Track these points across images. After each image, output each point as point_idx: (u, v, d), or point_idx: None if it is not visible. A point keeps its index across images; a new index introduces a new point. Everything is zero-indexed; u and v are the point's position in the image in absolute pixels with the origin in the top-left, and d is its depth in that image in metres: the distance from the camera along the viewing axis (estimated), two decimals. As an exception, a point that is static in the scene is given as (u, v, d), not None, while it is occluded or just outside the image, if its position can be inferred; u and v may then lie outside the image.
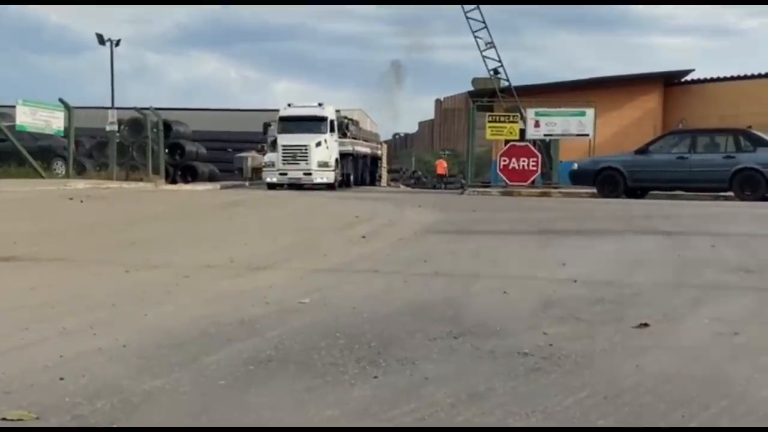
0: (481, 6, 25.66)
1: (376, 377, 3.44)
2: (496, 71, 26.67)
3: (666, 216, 11.48)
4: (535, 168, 23.04)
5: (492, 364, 3.65)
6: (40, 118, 21.57)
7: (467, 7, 25.72)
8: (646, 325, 4.49)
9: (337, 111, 30.05)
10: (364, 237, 8.63)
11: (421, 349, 3.89)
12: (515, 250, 7.67)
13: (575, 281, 5.82)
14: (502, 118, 23.95)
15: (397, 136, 72.74)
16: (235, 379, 3.40)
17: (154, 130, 26.33)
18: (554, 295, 5.28)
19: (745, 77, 27.39)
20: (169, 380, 3.35)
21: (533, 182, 23.19)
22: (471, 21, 25.79)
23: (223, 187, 26.72)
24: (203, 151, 33.07)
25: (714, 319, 4.65)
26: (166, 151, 28.37)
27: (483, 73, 27.05)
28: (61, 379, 3.34)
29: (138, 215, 11.76)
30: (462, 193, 23.28)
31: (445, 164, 43.99)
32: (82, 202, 13.60)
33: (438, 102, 71.58)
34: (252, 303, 4.95)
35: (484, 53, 26.16)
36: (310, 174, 26.42)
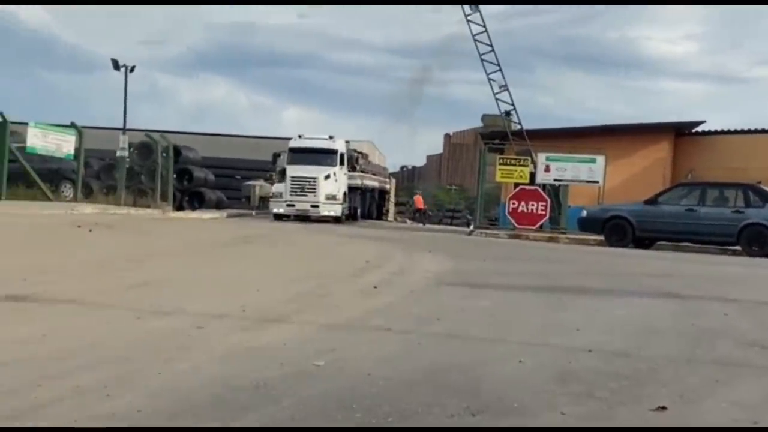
0: (495, 50, 25.82)
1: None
2: (508, 113, 26.81)
3: (677, 275, 11.44)
4: (543, 212, 23.06)
5: (512, 451, 3.60)
6: (51, 141, 21.83)
7: (482, 48, 25.88)
8: (664, 408, 4.44)
9: (347, 143, 30.20)
10: (375, 287, 8.61)
11: (439, 428, 3.85)
12: (528, 311, 7.63)
13: (590, 351, 5.78)
14: (512, 161, 24.02)
15: (404, 169, 72.89)
16: (252, 456, 3.36)
17: (164, 155, 26.46)
18: (570, 367, 5.24)
19: (755, 131, 27.47)
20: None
21: (541, 227, 23.19)
22: (486, 63, 25.96)
23: (229, 216, 26.80)
24: (211, 177, 33.16)
25: (732, 404, 4.61)
26: (174, 176, 28.42)
27: (494, 110, 27.18)
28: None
29: (147, 249, 11.76)
30: (470, 234, 23.27)
31: (421, 199, 44.02)
32: (90, 231, 13.62)
33: (447, 136, 71.84)
34: (266, 364, 4.91)
35: (497, 96, 26.30)
36: (317, 206, 26.49)
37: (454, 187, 58.36)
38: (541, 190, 23.40)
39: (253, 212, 31.45)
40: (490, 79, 26.32)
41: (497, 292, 8.98)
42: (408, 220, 41.46)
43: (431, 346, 5.69)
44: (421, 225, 37.29)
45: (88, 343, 5.32)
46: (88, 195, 24.14)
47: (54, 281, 7.92)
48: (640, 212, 19.48)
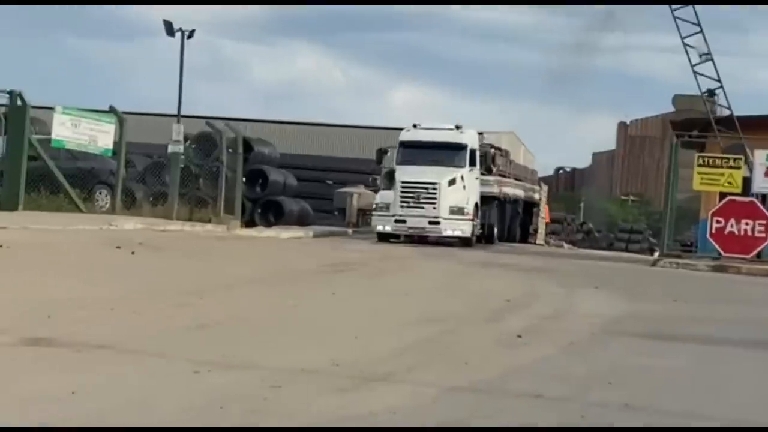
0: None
1: None
2: (711, 93, 26.20)
3: None
4: (763, 235, 22.43)
5: None
6: (83, 132, 22.43)
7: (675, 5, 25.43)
8: None
9: (480, 135, 30.15)
10: (519, 336, 8.59)
11: None
12: (740, 374, 7.46)
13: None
14: (718, 162, 23.48)
15: (560, 172, 72.47)
16: None
17: (230, 150, 26.82)
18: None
19: None
20: None
21: (759, 255, 22.56)
22: (679, 22, 25.47)
23: (317, 235, 27.18)
24: (293, 181, 33.66)
25: None
26: (244, 180, 28.82)
27: (691, 89, 26.61)
28: None
29: (208, 279, 12.05)
30: (655, 264, 22.87)
31: (548, 210, 43.41)
32: (133, 253, 14.07)
33: (622, 126, 71.03)
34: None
35: (695, 68, 25.75)
36: (437, 223, 26.54)
37: (631, 197, 57.47)
38: (759, 204, 22.78)
39: (349, 230, 31.79)
40: (685, 45, 25.81)
41: (694, 346, 8.81)
42: (565, 244, 41.13)
43: (601, 421, 5.62)
44: (573, 249, 36.87)
45: (131, 404, 5.50)
46: (131, 205, 24.72)
47: (86, 320, 8.22)
48: None
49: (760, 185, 23.09)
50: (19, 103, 21.56)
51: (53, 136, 22.13)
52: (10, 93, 21.76)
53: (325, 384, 6.27)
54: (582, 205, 56.85)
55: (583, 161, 74.96)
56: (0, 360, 6.50)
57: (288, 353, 7.19)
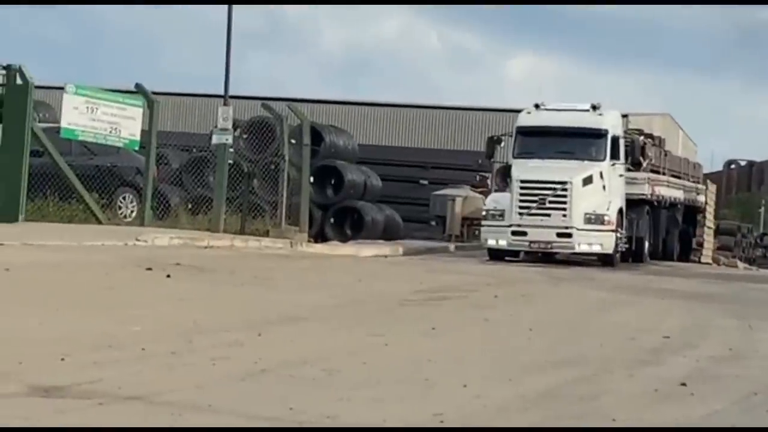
0: None
1: None
2: None
3: None
4: None
5: None
6: (101, 119, 22.58)
7: None
8: None
9: (625, 118, 29.98)
10: (684, 384, 8.55)
11: None
12: None
13: None
14: None
15: (733, 167, 71.70)
16: None
17: (292, 141, 26.80)
18: None
19: None
20: None
21: None
22: None
23: (408, 253, 27.20)
24: (376, 182, 33.73)
25: None
26: (312, 179, 28.76)
27: None
28: None
29: (268, 311, 12.16)
30: None
31: None
32: (168, 276, 14.23)
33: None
34: None
35: None
36: (568, 235, 26.43)
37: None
38: None
39: (451, 245, 31.81)
40: None
41: None
42: (740, 262, 40.64)
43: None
44: (751, 269, 36.39)
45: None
46: (164, 213, 24.86)
47: (108, 362, 8.34)
48: None
49: None
50: (18, 81, 21.49)
51: (63, 124, 22.21)
52: (7, 68, 21.73)
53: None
54: (762, 210, 56.20)
55: (764, 151, 74.10)
56: (1, 415, 6.62)
57: (378, 405, 7.23)
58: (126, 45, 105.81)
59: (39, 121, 23.00)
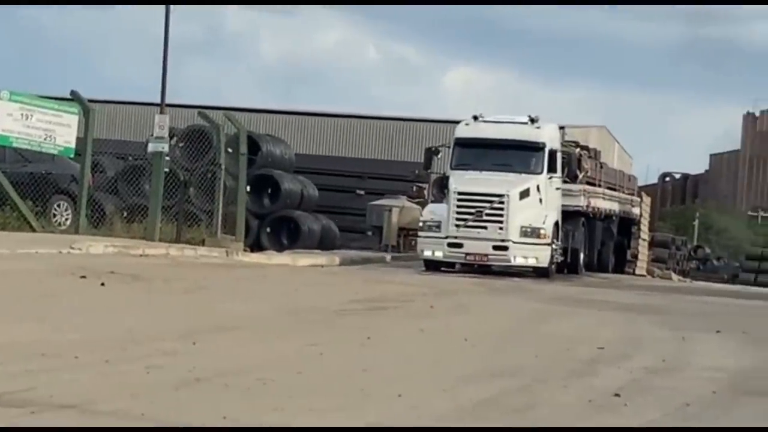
0: None
1: None
2: None
3: None
4: None
5: None
6: (37, 126, 22.52)
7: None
8: None
9: (561, 130, 30.13)
10: (617, 395, 8.60)
11: None
12: None
13: None
14: None
15: (668, 180, 72.26)
16: None
17: (229, 150, 26.80)
18: None
19: None
20: None
21: None
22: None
23: (344, 263, 27.18)
24: (312, 192, 33.78)
25: None
26: (248, 189, 28.71)
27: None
28: None
29: (203, 319, 12.12)
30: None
31: None
32: (103, 285, 14.15)
33: (749, 118, 70.80)
34: None
35: None
36: (504, 248, 26.45)
37: (761, 213, 57.33)
38: None
39: (388, 256, 31.81)
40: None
41: None
42: (674, 274, 40.91)
43: None
44: (685, 281, 36.65)
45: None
46: (99, 222, 24.81)
47: (41, 371, 8.27)
48: None
49: None
50: (-50, 88, 21.58)
51: (-2, 130, 22.18)
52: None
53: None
54: (696, 223, 56.65)
55: (698, 165, 74.80)
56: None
57: (311, 415, 7.22)
58: (62, 52, 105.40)
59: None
